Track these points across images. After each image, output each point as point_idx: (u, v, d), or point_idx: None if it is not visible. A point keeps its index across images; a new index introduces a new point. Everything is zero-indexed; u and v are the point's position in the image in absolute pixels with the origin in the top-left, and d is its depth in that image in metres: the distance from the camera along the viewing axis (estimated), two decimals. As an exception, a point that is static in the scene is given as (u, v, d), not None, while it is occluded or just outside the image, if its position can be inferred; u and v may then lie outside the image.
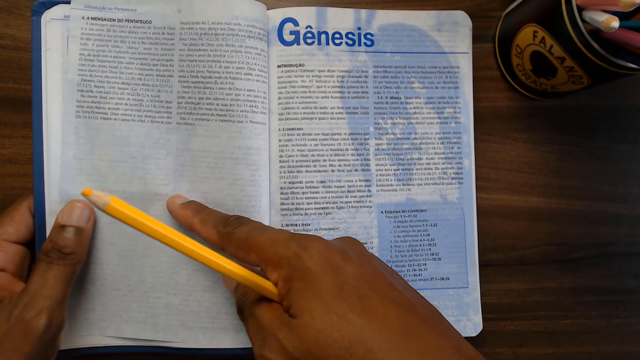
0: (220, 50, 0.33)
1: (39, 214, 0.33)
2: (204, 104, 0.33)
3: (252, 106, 0.34)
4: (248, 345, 0.33)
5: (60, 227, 0.31)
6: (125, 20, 0.34)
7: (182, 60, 0.33)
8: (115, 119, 0.33)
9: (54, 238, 0.30)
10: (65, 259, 0.30)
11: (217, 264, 0.26)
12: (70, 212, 0.31)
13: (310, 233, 0.35)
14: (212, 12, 0.33)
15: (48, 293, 0.29)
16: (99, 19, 0.33)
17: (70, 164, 0.33)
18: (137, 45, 0.33)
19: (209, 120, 0.33)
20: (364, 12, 0.36)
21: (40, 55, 0.33)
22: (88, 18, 0.33)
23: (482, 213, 0.37)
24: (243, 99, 0.33)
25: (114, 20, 0.34)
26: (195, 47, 0.33)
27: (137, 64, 0.33)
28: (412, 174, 0.36)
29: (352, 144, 0.35)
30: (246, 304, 0.28)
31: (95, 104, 0.33)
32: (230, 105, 0.33)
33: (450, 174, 0.36)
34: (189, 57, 0.33)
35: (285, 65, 0.35)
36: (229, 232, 0.29)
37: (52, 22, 0.33)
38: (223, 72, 0.33)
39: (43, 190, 0.33)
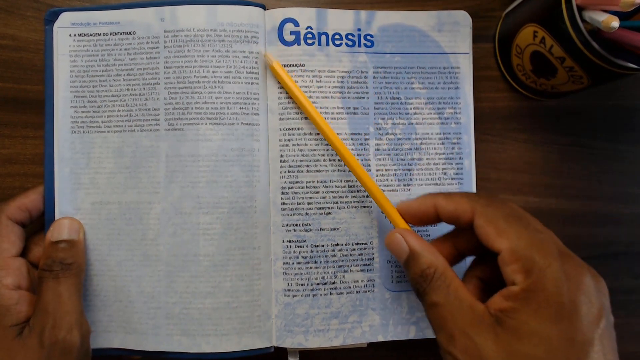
0: (207, 56, 0.34)
1: (49, 215, 0.33)
2: (192, 109, 0.33)
3: (243, 108, 0.34)
4: (250, 347, 0.33)
5: (53, 244, 0.31)
6: (110, 34, 0.34)
7: (167, 67, 0.34)
8: (108, 132, 0.34)
9: (51, 254, 0.31)
10: (69, 270, 0.30)
11: (379, 196, 0.30)
12: (59, 228, 0.32)
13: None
14: (195, 20, 0.34)
15: (68, 308, 0.30)
16: (85, 34, 0.34)
17: (68, 179, 0.34)
18: (123, 56, 0.34)
19: (198, 125, 0.33)
20: (363, 13, 0.36)
21: (53, 62, 0.34)
22: (75, 35, 0.34)
23: (483, 213, 0.37)
24: (233, 102, 0.34)
25: (99, 34, 0.34)
26: (181, 53, 0.34)
27: (124, 75, 0.34)
28: (413, 175, 0.36)
29: (353, 144, 0.35)
30: (432, 288, 0.26)
31: (89, 118, 0.34)
32: (220, 108, 0.33)
33: (450, 174, 0.36)
34: (175, 64, 0.34)
35: (285, 65, 0.35)
36: (486, 202, 0.26)
37: (62, 29, 0.34)
38: (211, 77, 0.33)
39: (53, 198, 0.33)
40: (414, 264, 0.27)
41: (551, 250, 0.24)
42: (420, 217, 0.30)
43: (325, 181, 0.35)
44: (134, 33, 0.34)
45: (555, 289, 0.23)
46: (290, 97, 0.35)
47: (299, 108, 0.35)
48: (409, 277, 0.28)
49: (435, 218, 0.29)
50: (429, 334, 0.35)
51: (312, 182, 0.35)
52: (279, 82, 0.35)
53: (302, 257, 0.34)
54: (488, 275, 0.28)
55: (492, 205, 0.26)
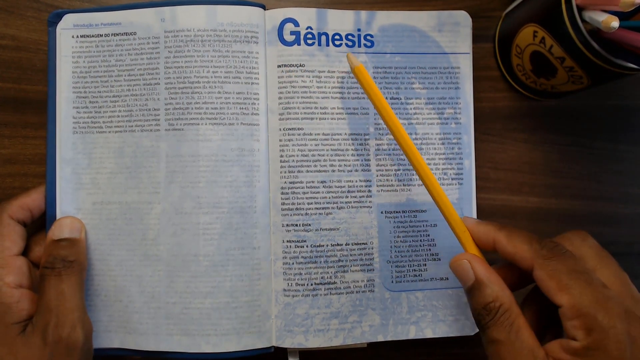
0: (207, 56, 0.34)
1: (50, 215, 0.33)
2: (192, 109, 0.34)
3: (243, 108, 0.34)
4: (250, 347, 0.33)
5: (55, 242, 0.31)
6: (112, 35, 0.34)
7: (168, 67, 0.34)
8: (109, 132, 0.34)
9: (53, 251, 0.31)
10: (71, 267, 0.31)
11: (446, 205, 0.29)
12: (61, 227, 0.32)
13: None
14: (195, 20, 0.34)
15: (71, 305, 0.30)
16: (87, 36, 0.34)
17: (69, 179, 0.34)
18: (124, 57, 0.34)
19: (198, 125, 0.33)
20: (364, 14, 0.36)
21: (55, 63, 0.34)
22: (77, 36, 0.34)
23: (482, 213, 0.37)
24: (233, 102, 0.34)
25: (101, 35, 0.34)
26: (181, 54, 0.34)
27: (125, 75, 0.34)
28: (413, 175, 0.36)
29: (353, 144, 0.35)
30: (495, 324, 0.25)
31: (91, 119, 0.34)
32: (220, 108, 0.34)
33: (450, 174, 0.36)
34: (175, 64, 0.34)
35: (285, 65, 0.35)
36: (548, 254, 0.25)
37: (65, 31, 0.34)
38: (211, 77, 0.34)
39: (55, 198, 0.34)
40: (478, 294, 0.26)
41: (616, 309, 0.23)
42: (478, 243, 0.29)
43: (325, 181, 0.35)
44: (135, 34, 0.34)
45: (618, 352, 0.22)
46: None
47: (299, 109, 0.35)
48: (471, 306, 0.27)
49: (493, 250, 0.28)
50: (429, 333, 0.35)
51: (312, 182, 0.35)
52: (279, 82, 0.35)
53: (302, 257, 0.34)
54: (548, 303, 0.28)
55: (555, 259, 0.25)
